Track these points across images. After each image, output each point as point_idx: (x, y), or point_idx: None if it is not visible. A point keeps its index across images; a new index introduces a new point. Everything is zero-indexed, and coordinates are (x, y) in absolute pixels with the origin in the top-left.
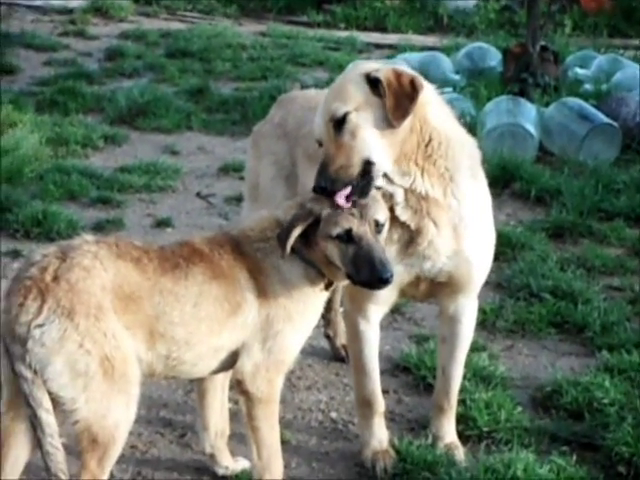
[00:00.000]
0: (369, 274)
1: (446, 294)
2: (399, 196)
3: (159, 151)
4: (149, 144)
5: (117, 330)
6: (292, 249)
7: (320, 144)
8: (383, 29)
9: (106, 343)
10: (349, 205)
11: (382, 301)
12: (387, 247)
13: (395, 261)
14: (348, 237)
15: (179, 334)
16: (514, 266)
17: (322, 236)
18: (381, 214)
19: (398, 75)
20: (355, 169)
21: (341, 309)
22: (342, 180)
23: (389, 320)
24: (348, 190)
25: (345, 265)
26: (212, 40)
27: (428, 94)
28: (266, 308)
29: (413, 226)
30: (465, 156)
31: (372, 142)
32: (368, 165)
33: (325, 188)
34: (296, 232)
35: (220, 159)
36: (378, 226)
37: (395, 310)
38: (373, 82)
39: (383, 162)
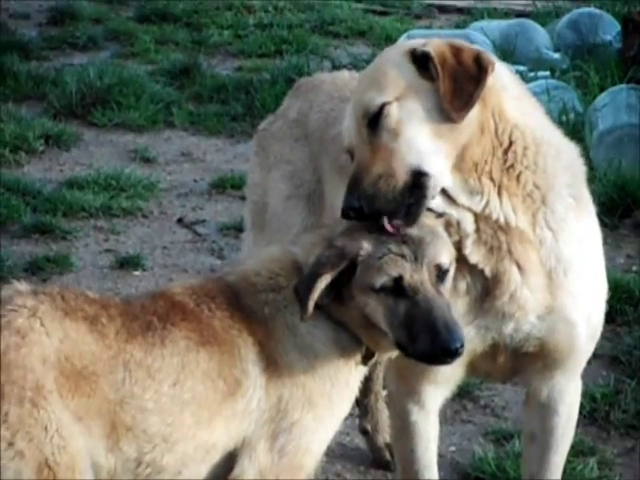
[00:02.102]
0: (430, 343)
1: (536, 371)
2: (469, 225)
3: (125, 158)
4: (110, 147)
5: (63, 422)
6: (316, 305)
7: (352, 155)
8: None
9: (47, 441)
10: (396, 233)
11: (443, 380)
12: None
13: (462, 322)
14: (398, 289)
15: (154, 427)
16: (637, 332)
17: (360, 287)
18: (445, 254)
19: (456, 50)
20: (400, 180)
21: (384, 392)
22: (384, 196)
23: (455, 408)
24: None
25: (394, 329)
26: None
27: (503, 77)
28: (278, 388)
29: (488, 271)
30: (562, 168)
31: (422, 143)
32: (418, 177)
33: (360, 210)
34: (322, 283)
35: (213, 170)
36: (441, 272)
37: (464, 394)
38: (421, 60)
39: (440, 172)
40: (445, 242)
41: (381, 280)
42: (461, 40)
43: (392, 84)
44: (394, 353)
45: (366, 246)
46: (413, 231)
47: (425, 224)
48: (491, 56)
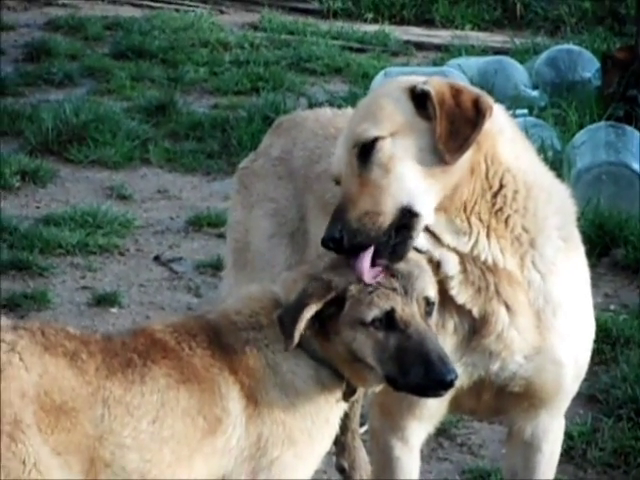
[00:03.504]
0: (424, 375)
1: (522, 410)
2: (451, 266)
3: (101, 195)
4: (87, 184)
5: (42, 456)
6: (300, 339)
7: (338, 183)
8: (428, 22)
9: (24, 475)
10: (376, 276)
11: (428, 415)
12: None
13: None
14: (389, 323)
15: (132, 463)
16: (614, 371)
17: (348, 322)
18: (431, 288)
19: (456, 91)
20: (387, 218)
21: (362, 429)
22: (367, 233)
23: (432, 446)
24: (370, 251)
25: (383, 363)
26: (180, 35)
27: (499, 120)
28: (258, 426)
29: (476, 311)
30: (553, 211)
31: (413, 182)
32: (408, 216)
33: (340, 242)
34: (308, 313)
35: (189, 208)
36: (429, 306)
37: (441, 432)
38: (420, 98)
39: (429, 212)
40: (430, 276)
41: (372, 314)
42: (461, 81)
43: (388, 119)
44: (379, 387)
45: (354, 279)
46: (400, 265)
47: (410, 258)
48: (490, 100)
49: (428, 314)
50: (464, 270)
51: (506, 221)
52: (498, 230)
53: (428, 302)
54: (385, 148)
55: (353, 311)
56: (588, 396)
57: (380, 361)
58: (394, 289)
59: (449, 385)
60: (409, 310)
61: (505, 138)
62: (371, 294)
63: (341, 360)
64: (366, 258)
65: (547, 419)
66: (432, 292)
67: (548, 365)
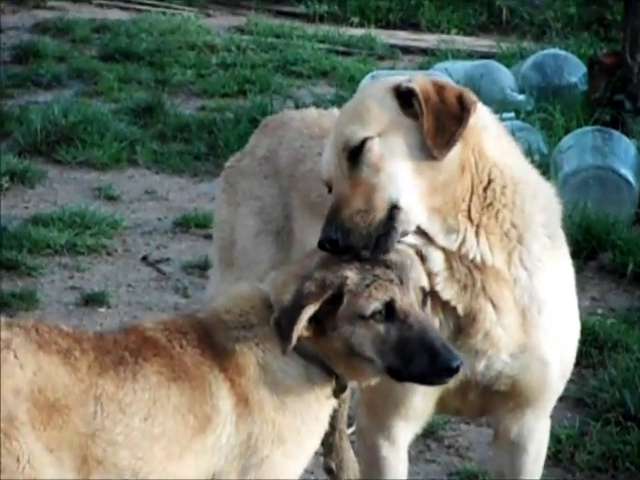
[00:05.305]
0: (429, 363)
1: (507, 409)
2: (436, 263)
3: (89, 195)
4: (75, 185)
5: (35, 453)
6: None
7: (330, 188)
8: (414, 26)
9: (18, 472)
10: None
11: (414, 415)
12: None
13: None
14: (389, 314)
15: (124, 460)
16: (602, 374)
17: (347, 317)
18: (424, 277)
19: (440, 87)
20: (379, 215)
21: (349, 429)
22: (359, 231)
23: (419, 448)
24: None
25: (384, 355)
26: (167, 37)
27: (483, 116)
28: (247, 424)
29: (461, 309)
30: (539, 207)
31: (402, 179)
32: (392, 210)
33: (336, 242)
34: (306, 315)
35: (177, 209)
36: (424, 295)
37: (428, 434)
38: (405, 97)
39: (414, 208)
40: (421, 265)
41: (372, 307)
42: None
43: (375, 119)
44: (375, 381)
45: (351, 275)
46: (393, 256)
47: (399, 249)
48: (473, 96)
49: (424, 303)
50: (449, 267)
51: (496, 216)
52: (489, 226)
53: (424, 291)
54: (374, 148)
55: (352, 306)
56: (576, 399)
57: (381, 353)
58: (391, 280)
59: (455, 371)
60: (407, 300)
61: (490, 134)
62: (369, 287)
63: (337, 356)
64: None
65: (533, 419)
66: (425, 282)
67: (534, 363)
